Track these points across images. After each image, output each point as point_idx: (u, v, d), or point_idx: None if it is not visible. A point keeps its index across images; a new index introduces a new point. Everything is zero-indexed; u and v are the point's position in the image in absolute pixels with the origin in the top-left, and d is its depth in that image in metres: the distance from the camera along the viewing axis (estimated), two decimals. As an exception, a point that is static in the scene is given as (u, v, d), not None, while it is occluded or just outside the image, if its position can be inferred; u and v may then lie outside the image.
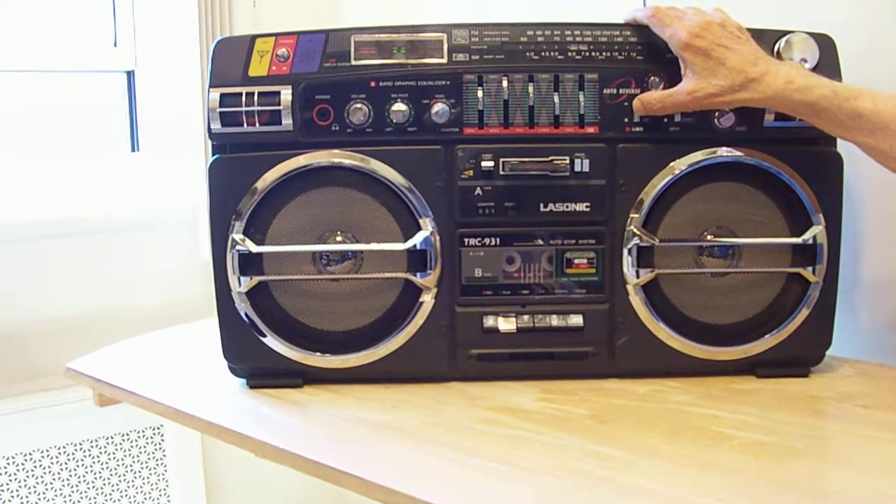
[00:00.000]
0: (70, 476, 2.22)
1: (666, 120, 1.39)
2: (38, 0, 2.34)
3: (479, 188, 1.40)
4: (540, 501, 1.06)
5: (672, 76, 1.37)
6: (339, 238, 1.41)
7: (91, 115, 2.48)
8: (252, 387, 1.43)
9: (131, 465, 2.31)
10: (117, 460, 2.29)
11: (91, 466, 2.25)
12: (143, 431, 2.32)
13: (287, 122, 1.38)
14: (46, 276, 2.20)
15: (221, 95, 1.38)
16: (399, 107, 1.38)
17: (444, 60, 1.39)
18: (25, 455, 2.16)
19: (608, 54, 1.39)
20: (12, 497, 2.15)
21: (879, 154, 1.26)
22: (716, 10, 1.35)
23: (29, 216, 2.21)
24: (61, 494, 2.21)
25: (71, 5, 2.39)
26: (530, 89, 1.39)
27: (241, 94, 1.38)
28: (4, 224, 2.16)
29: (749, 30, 1.39)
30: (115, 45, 2.44)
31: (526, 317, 1.42)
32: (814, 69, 1.38)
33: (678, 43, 1.32)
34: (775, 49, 1.39)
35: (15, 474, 2.14)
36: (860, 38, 1.49)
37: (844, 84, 1.30)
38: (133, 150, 2.50)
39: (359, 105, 1.38)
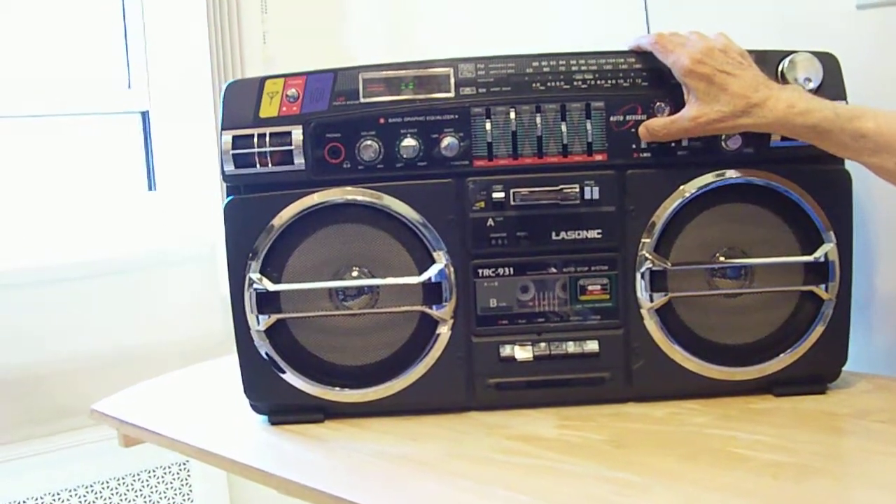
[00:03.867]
0: (98, 515, 2.24)
1: (673, 144, 1.40)
2: (53, 44, 2.37)
3: (491, 219, 1.41)
4: (560, 530, 1.07)
5: (677, 102, 1.38)
6: (354, 273, 1.42)
7: (108, 156, 2.50)
8: (273, 423, 1.44)
9: (158, 502, 2.33)
10: (144, 497, 2.30)
11: (119, 504, 2.27)
12: (169, 468, 2.33)
13: (299, 161, 1.40)
14: (68, 318, 2.22)
15: (234, 137, 1.40)
16: (409, 142, 1.39)
17: (452, 94, 1.40)
18: (53, 495, 2.18)
19: (613, 82, 1.40)
20: (42, 538, 2.17)
21: (885, 172, 1.27)
22: (719, 34, 1.36)
23: (49, 259, 2.24)
24: (90, 533, 2.23)
25: (85, 49, 2.42)
26: (538, 119, 1.40)
27: (252, 135, 1.39)
28: (26, 268, 2.18)
29: (752, 51, 1.40)
30: (129, 86, 2.47)
31: (542, 344, 1.43)
32: (818, 88, 1.39)
33: (681, 69, 1.33)
34: (779, 69, 1.40)
35: (44, 515, 2.16)
36: (864, 58, 1.50)
37: (846, 105, 1.31)
38: (150, 189, 2.52)
39: (369, 142, 1.39)
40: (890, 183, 1.28)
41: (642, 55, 1.41)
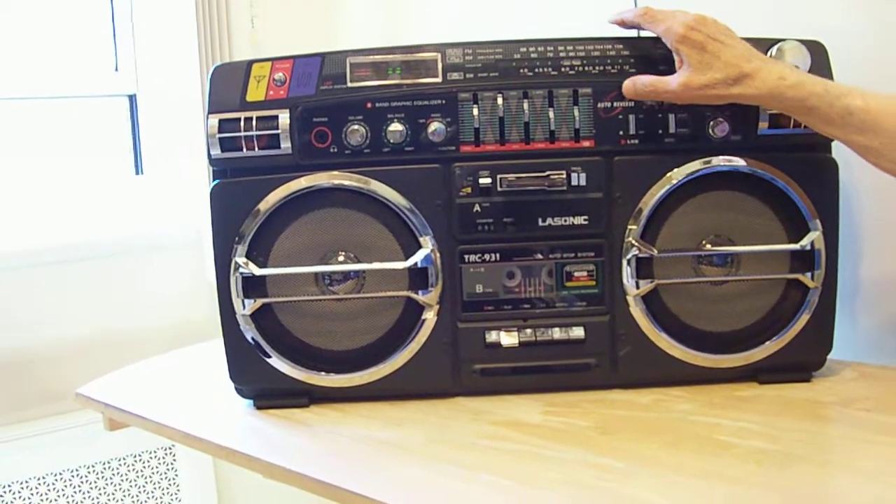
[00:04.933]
0: (84, 499, 2.23)
1: (661, 131, 1.40)
2: (39, 27, 2.35)
3: (477, 205, 1.41)
4: (544, 516, 1.07)
5: (665, 88, 1.38)
6: (340, 258, 1.42)
7: (95, 139, 2.49)
8: (259, 408, 1.44)
9: (144, 487, 2.32)
10: (130, 482, 2.30)
11: (104, 489, 2.26)
12: (155, 452, 2.33)
13: (286, 145, 1.39)
14: (54, 302, 2.22)
15: (220, 121, 1.40)
16: (396, 127, 1.39)
17: (440, 80, 1.40)
18: (39, 479, 2.17)
19: (601, 68, 1.40)
20: (27, 522, 2.16)
21: (870, 152, 1.27)
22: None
23: (35, 242, 2.23)
24: (75, 517, 2.23)
25: (72, 31, 2.41)
26: (525, 105, 1.40)
27: (239, 119, 1.39)
28: (10, 251, 2.17)
29: (741, 38, 1.40)
30: (117, 69, 2.46)
31: (528, 331, 1.43)
32: (806, 76, 1.39)
33: (675, 36, 1.32)
34: (768, 56, 1.40)
35: (29, 499, 2.16)
36: (852, 46, 1.50)
37: (835, 82, 1.31)
38: (137, 173, 2.51)
39: (356, 126, 1.39)
40: (874, 164, 1.28)
41: (630, 41, 1.41)
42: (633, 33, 1.43)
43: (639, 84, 1.37)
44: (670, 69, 1.37)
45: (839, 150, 1.41)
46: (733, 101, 1.33)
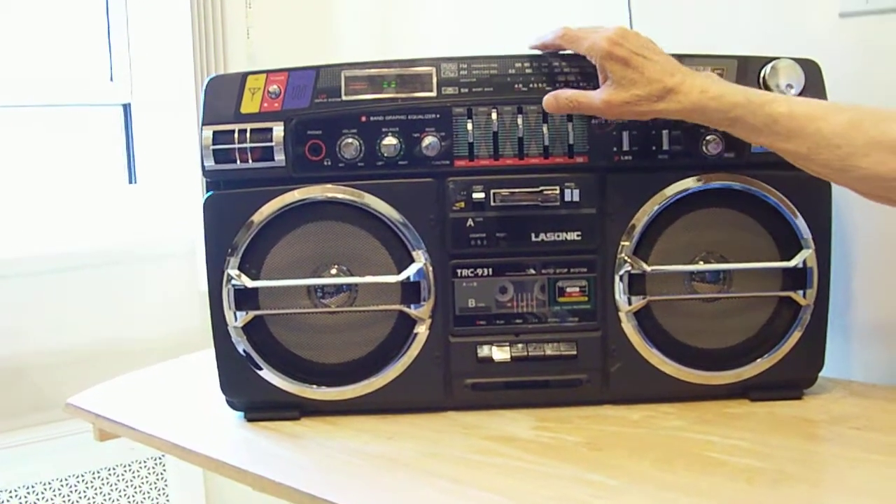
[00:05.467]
0: (73, 508, 2.23)
1: (654, 148, 1.41)
2: (34, 35, 2.35)
3: (470, 219, 1.41)
4: (534, 532, 1.07)
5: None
6: (333, 271, 1.42)
7: (89, 148, 2.49)
8: (250, 420, 1.44)
9: (134, 496, 2.32)
10: (120, 491, 2.30)
11: (94, 498, 2.26)
12: (145, 462, 2.33)
13: (279, 158, 1.39)
14: (46, 310, 2.21)
15: (214, 133, 1.40)
16: (390, 141, 1.39)
17: (434, 94, 1.40)
18: (28, 488, 2.17)
19: (596, 84, 1.40)
20: (15, 531, 2.16)
21: (800, 158, 1.25)
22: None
23: (28, 250, 2.23)
24: (64, 527, 2.22)
25: (67, 40, 2.41)
26: (519, 121, 1.40)
27: (233, 131, 1.39)
28: (2, 260, 2.17)
29: (735, 56, 1.41)
30: (111, 79, 2.46)
31: (520, 345, 1.43)
32: (800, 94, 1.39)
33: (599, 52, 1.30)
34: (761, 75, 1.41)
35: (18, 508, 2.15)
36: (846, 65, 1.51)
37: (758, 90, 1.30)
38: (131, 182, 2.51)
39: (350, 140, 1.39)
40: (805, 170, 1.27)
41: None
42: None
43: (561, 99, 1.36)
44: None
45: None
46: (657, 116, 1.32)
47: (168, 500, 2.37)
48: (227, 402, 1.46)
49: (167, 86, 2.40)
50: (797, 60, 1.41)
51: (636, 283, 1.42)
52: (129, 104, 2.48)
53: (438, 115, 1.40)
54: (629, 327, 1.42)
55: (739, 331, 1.45)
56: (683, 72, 1.29)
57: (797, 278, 1.42)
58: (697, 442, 1.29)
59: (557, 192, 1.41)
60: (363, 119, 1.40)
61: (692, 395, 1.44)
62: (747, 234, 1.43)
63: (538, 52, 1.42)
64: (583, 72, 1.40)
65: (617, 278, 1.42)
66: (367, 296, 1.42)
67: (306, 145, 1.40)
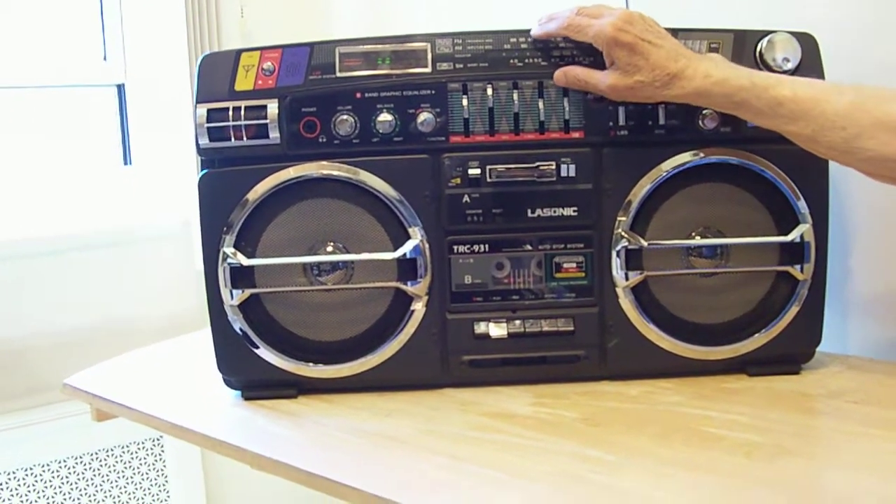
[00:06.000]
0: (71, 490, 2.23)
1: (651, 122, 1.40)
2: (26, 16, 2.34)
3: (466, 196, 1.41)
4: (532, 507, 1.07)
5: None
6: (329, 248, 1.41)
7: (83, 129, 2.48)
8: (247, 398, 1.44)
9: (132, 478, 2.32)
10: (118, 473, 2.30)
11: (92, 480, 2.26)
12: (143, 443, 2.33)
13: (274, 135, 1.39)
14: (42, 292, 2.21)
15: (208, 111, 1.39)
16: (385, 117, 1.39)
17: (429, 70, 1.40)
18: (26, 470, 2.17)
19: (592, 59, 1.39)
20: (14, 512, 2.16)
21: (805, 140, 1.26)
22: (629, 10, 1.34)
23: (23, 233, 2.22)
24: (63, 508, 2.22)
25: (59, 20, 2.40)
26: (515, 96, 1.39)
27: (227, 108, 1.38)
28: (-1, 241, 2.17)
29: (731, 30, 1.40)
30: (105, 58, 2.45)
31: (517, 322, 1.43)
32: (796, 69, 1.39)
33: (605, 39, 1.30)
34: (757, 49, 1.40)
35: (16, 489, 2.15)
36: (842, 37, 1.50)
37: (763, 73, 1.30)
38: (125, 163, 2.50)
39: (345, 116, 1.39)
40: (812, 151, 1.27)
41: None
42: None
43: (570, 75, 1.37)
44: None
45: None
46: (662, 100, 1.32)
47: (166, 481, 2.38)
48: (225, 380, 1.46)
49: (161, 65, 2.39)
50: (794, 34, 1.40)
51: (633, 259, 1.41)
52: (123, 84, 2.46)
53: (433, 91, 1.39)
54: (626, 303, 1.42)
55: (737, 306, 1.45)
56: (688, 56, 1.29)
57: (794, 253, 1.42)
58: (695, 417, 1.29)
59: (553, 167, 1.40)
60: (358, 95, 1.39)
61: (690, 371, 1.44)
62: (744, 209, 1.43)
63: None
64: (579, 45, 1.39)
65: (614, 254, 1.42)
66: (363, 273, 1.41)
67: (301, 122, 1.39)
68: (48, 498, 2.20)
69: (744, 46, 1.40)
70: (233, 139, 1.39)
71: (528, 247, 1.43)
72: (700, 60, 1.29)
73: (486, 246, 1.43)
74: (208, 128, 1.39)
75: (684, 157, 1.40)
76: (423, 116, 1.39)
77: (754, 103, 1.26)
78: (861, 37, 1.53)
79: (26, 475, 2.17)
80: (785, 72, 1.39)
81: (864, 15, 1.54)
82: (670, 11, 1.46)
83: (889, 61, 1.50)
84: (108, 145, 2.51)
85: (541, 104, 1.40)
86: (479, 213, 1.41)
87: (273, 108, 1.39)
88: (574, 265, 1.43)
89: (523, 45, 1.40)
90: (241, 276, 1.40)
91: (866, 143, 1.19)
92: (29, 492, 2.17)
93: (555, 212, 1.41)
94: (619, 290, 1.42)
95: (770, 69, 1.39)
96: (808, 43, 1.41)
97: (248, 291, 1.40)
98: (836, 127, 1.21)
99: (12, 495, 2.15)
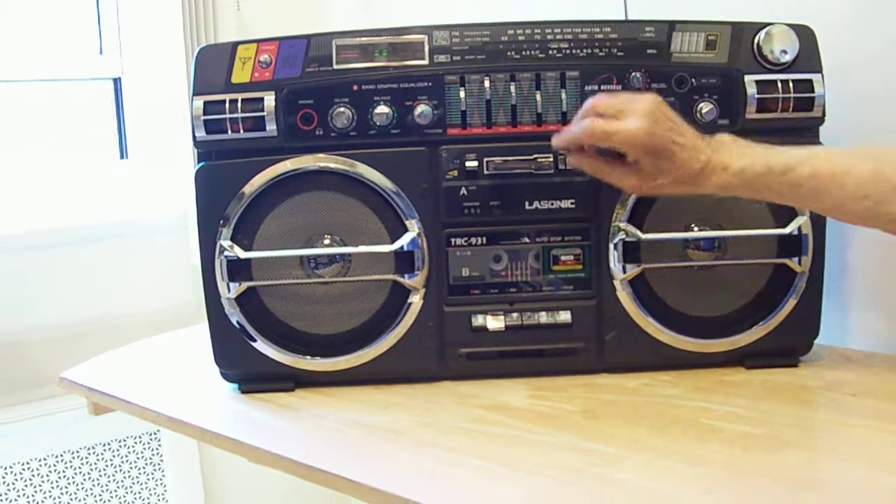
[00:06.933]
0: (68, 484, 2.23)
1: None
2: (23, 10, 2.34)
3: (464, 188, 1.40)
4: (531, 500, 1.07)
5: (652, 73, 1.39)
6: (326, 241, 1.41)
7: (79, 123, 2.48)
8: (244, 391, 1.44)
9: (129, 472, 2.32)
10: (115, 467, 2.29)
11: (89, 474, 2.25)
12: (139, 437, 2.32)
13: (271, 127, 1.39)
14: (38, 286, 2.20)
15: (205, 103, 1.39)
16: (382, 109, 1.38)
17: (426, 62, 1.39)
18: (23, 464, 2.16)
19: (589, 51, 1.39)
20: (11, 507, 2.15)
21: (829, 212, 1.28)
22: (646, 95, 1.28)
23: (20, 227, 2.21)
24: (60, 503, 2.21)
25: (56, 14, 2.39)
26: (512, 88, 1.39)
27: (224, 101, 1.38)
28: (-5, 235, 2.16)
29: (729, 22, 1.40)
30: (101, 52, 2.45)
31: (514, 314, 1.43)
32: (794, 60, 1.39)
33: (637, 146, 1.25)
34: (755, 41, 1.40)
35: (13, 483, 2.15)
36: (839, 28, 1.50)
37: (779, 151, 1.25)
38: (122, 157, 2.50)
39: (342, 109, 1.38)
40: (840, 220, 1.29)
41: (618, 24, 1.41)
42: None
43: (586, 164, 1.32)
44: (659, 53, 1.38)
45: (827, 135, 1.41)
46: (683, 193, 1.30)
47: (163, 475, 2.37)
48: (222, 374, 1.45)
49: (158, 59, 2.38)
50: (792, 26, 1.40)
51: (631, 251, 1.41)
52: (120, 78, 2.46)
53: (431, 84, 1.39)
54: (624, 295, 1.42)
55: (735, 298, 1.45)
56: (708, 150, 1.26)
57: (792, 245, 1.42)
58: (694, 409, 1.29)
59: (551, 159, 1.40)
60: (355, 88, 1.39)
61: (688, 363, 1.44)
62: (741, 201, 1.42)
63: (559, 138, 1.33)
64: (575, 39, 1.39)
65: (611, 246, 1.42)
66: (360, 266, 1.41)
67: (298, 115, 1.39)
68: (45, 492, 2.20)
69: (741, 38, 1.40)
70: (229, 132, 1.39)
71: (526, 239, 1.43)
72: (719, 152, 1.26)
73: (484, 238, 1.42)
74: (205, 120, 1.39)
75: (682, 150, 1.40)
76: (421, 109, 1.39)
77: (775, 188, 1.25)
78: (859, 27, 1.53)
79: (23, 469, 2.16)
80: (782, 64, 1.39)
81: (860, 4, 1.53)
82: (668, 4, 1.46)
83: (885, 51, 1.50)
84: (105, 139, 2.50)
85: (538, 96, 1.39)
86: (476, 206, 1.41)
87: (270, 100, 1.38)
88: (572, 258, 1.43)
89: (520, 38, 1.40)
90: (237, 269, 1.40)
91: (890, 208, 1.19)
92: (26, 486, 2.17)
93: (552, 204, 1.41)
94: (616, 283, 1.42)
95: (768, 61, 1.39)
96: (805, 34, 1.40)
97: (245, 284, 1.40)
98: (859, 197, 1.21)
99: (9, 490, 2.14)
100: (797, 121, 1.38)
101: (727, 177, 1.25)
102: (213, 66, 1.40)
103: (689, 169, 1.25)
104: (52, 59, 2.37)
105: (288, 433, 1.30)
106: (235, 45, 1.40)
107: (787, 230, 1.41)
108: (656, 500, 1.04)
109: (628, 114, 1.25)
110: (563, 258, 1.43)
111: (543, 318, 1.42)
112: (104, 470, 2.28)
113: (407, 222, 1.40)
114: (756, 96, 1.39)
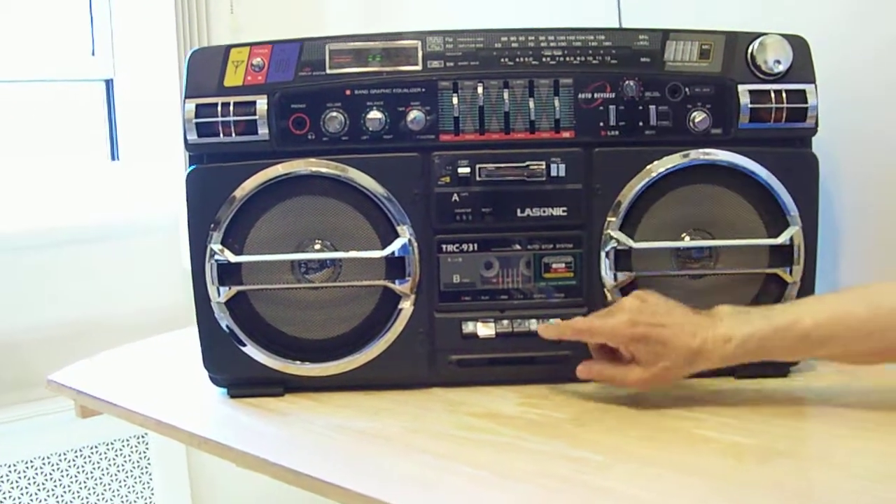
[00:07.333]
0: (55, 487, 2.22)
1: (641, 123, 1.40)
2: (15, 10, 2.33)
3: (455, 194, 1.40)
4: (519, 508, 1.07)
5: (646, 81, 1.39)
6: (317, 246, 1.41)
7: (70, 124, 2.47)
8: (233, 396, 1.43)
9: (116, 475, 2.31)
10: (102, 470, 2.29)
11: (76, 477, 2.25)
12: (127, 441, 2.32)
13: (263, 131, 1.38)
14: (27, 288, 2.20)
15: (197, 106, 1.38)
16: (375, 115, 1.38)
17: (419, 68, 1.39)
18: (9, 466, 2.15)
19: (583, 59, 1.39)
20: (-3, 509, 2.15)
21: (838, 357, 1.28)
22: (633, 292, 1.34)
23: (9, 227, 2.21)
24: (46, 505, 2.21)
25: (48, 15, 2.39)
26: (505, 95, 1.39)
27: (216, 104, 1.38)
28: (-16, 235, 2.15)
29: (723, 32, 1.40)
30: (93, 53, 2.44)
31: (505, 322, 1.43)
32: (788, 70, 1.39)
33: (622, 339, 1.29)
34: (749, 51, 1.40)
35: (-1, 486, 2.14)
36: (833, 39, 1.50)
37: (779, 308, 1.28)
38: (113, 158, 2.49)
39: (334, 113, 1.38)
40: (851, 364, 1.30)
41: (612, 32, 1.41)
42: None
43: (594, 371, 1.35)
44: (653, 62, 1.37)
45: (820, 145, 1.41)
46: (689, 374, 1.30)
47: (151, 479, 2.37)
48: (211, 378, 1.45)
49: (150, 61, 2.38)
50: (785, 36, 1.40)
51: (622, 260, 1.41)
52: (112, 79, 2.45)
53: (424, 89, 1.39)
54: (615, 304, 1.42)
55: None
56: (703, 326, 1.26)
57: (784, 255, 1.42)
58: (684, 419, 1.29)
59: (543, 167, 1.40)
60: (348, 93, 1.39)
61: (678, 373, 1.44)
62: (734, 211, 1.43)
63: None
64: (569, 46, 1.39)
65: (603, 254, 1.41)
66: (351, 271, 1.41)
67: (290, 119, 1.38)
68: (31, 495, 2.19)
69: (735, 48, 1.40)
70: (221, 135, 1.38)
71: (517, 246, 1.42)
72: (716, 327, 1.26)
73: (475, 245, 1.42)
74: (197, 123, 1.38)
75: (674, 159, 1.40)
76: (413, 114, 1.38)
77: (781, 345, 1.25)
78: (852, 37, 1.53)
79: (9, 472, 2.15)
80: (776, 74, 1.39)
81: (854, 15, 1.54)
82: (662, 12, 1.46)
83: (879, 58, 1.51)
84: (96, 140, 2.50)
85: (531, 103, 1.39)
86: (468, 212, 1.41)
87: (262, 104, 1.38)
88: (563, 265, 1.43)
89: (514, 45, 1.40)
90: (228, 273, 1.39)
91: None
92: (12, 489, 2.16)
93: (544, 212, 1.41)
94: (607, 291, 1.42)
95: (762, 71, 1.39)
96: (799, 44, 1.40)
97: (235, 289, 1.39)
98: (863, 335, 1.21)
99: (-5, 492, 2.14)
100: (790, 131, 1.38)
101: (732, 349, 1.25)
102: (205, 69, 1.39)
103: (687, 347, 1.25)
104: (45, 60, 2.37)
105: (276, 438, 1.29)
106: (228, 48, 1.39)
107: (778, 240, 1.41)
108: (646, 509, 1.04)
109: (613, 312, 1.30)
110: (554, 266, 1.42)
111: (534, 325, 1.42)
112: (91, 473, 2.27)
113: (398, 228, 1.39)
114: (749, 106, 1.39)
